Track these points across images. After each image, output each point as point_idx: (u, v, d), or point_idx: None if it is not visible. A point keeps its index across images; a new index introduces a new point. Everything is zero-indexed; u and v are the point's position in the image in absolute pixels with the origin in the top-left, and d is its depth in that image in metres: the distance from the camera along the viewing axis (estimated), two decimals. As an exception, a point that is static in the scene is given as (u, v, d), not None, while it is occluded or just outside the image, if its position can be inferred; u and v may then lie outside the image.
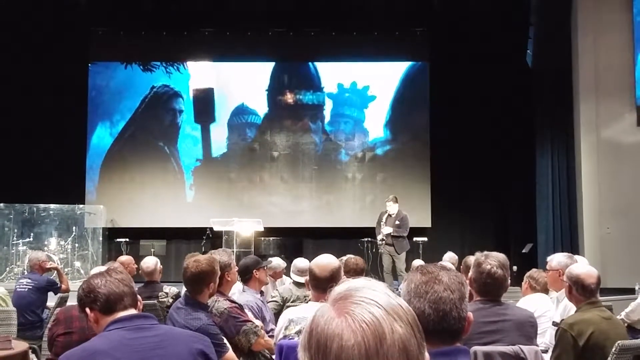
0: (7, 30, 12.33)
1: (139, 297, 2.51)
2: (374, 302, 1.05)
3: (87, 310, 2.39)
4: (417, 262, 7.85)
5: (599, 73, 11.22)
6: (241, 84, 13.63)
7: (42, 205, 11.92)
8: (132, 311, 2.41)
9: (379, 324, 1.02)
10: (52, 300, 6.74)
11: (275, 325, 4.61)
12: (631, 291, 7.74)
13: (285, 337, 3.45)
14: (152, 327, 2.36)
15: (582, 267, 3.78)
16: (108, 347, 2.23)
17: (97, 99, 13.52)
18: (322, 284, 3.44)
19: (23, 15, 12.22)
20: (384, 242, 10.13)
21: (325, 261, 3.54)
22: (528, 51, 11.96)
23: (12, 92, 12.56)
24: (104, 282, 2.41)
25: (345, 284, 1.11)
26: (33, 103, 12.57)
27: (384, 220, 10.20)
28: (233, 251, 9.51)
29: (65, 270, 10.52)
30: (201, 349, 2.42)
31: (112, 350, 2.22)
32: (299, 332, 3.40)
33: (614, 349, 3.23)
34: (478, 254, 3.36)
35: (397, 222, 10.12)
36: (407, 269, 9.69)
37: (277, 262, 6.88)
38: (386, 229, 10.08)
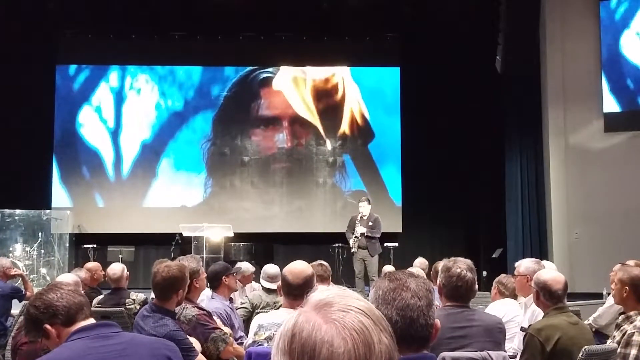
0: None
1: None
2: (361, 311, 1.05)
3: (47, 326, 2.34)
4: (388, 268, 7.85)
5: (566, 79, 11.39)
6: (211, 88, 13.57)
7: (7, 211, 11.68)
8: (91, 320, 2.38)
9: (368, 333, 1.02)
10: (16, 307, 6.60)
11: (244, 333, 4.58)
12: (599, 296, 7.85)
13: (254, 342, 3.43)
14: (115, 335, 2.34)
15: (549, 272, 3.80)
16: (72, 356, 2.20)
17: (64, 102, 13.34)
18: (294, 291, 3.43)
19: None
20: (357, 240, 10.06)
21: (299, 268, 3.52)
22: (497, 57, 12.09)
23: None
24: (60, 295, 2.38)
25: (324, 291, 1.10)
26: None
27: (358, 220, 10.18)
28: (202, 257, 9.48)
29: (31, 277, 10.34)
30: (167, 354, 2.40)
31: (76, 359, 2.19)
32: (268, 339, 3.38)
33: (581, 354, 3.25)
34: (445, 260, 3.41)
35: (370, 224, 10.13)
36: (379, 274, 9.69)
37: (246, 266, 6.83)
38: (360, 229, 10.07)
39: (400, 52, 13.32)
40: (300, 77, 13.59)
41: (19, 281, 7.30)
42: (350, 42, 13.31)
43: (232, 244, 11.60)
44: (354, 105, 13.55)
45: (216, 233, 10.85)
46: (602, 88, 11.33)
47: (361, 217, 10.20)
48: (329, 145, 13.48)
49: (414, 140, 13.07)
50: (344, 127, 13.50)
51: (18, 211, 11.78)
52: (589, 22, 11.47)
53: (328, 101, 13.55)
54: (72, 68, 13.50)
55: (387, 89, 13.54)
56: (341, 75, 13.59)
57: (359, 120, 13.53)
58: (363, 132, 13.52)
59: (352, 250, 10.20)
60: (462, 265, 3.28)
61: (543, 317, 3.63)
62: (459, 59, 12.44)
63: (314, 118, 13.51)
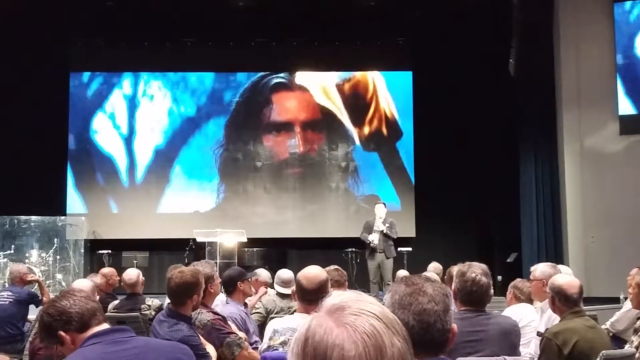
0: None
1: None
2: (374, 315, 1.06)
3: (62, 333, 2.34)
4: (402, 273, 7.83)
5: (581, 82, 11.30)
6: (223, 94, 13.62)
7: (23, 217, 11.78)
8: (105, 325, 2.38)
9: (380, 336, 1.03)
10: (33, 313, 6.64)
11: (259, 337, 4.57)
12: (616, 300, 7.78)
13: (269, 347, 3.43)
14: (129, 339, 2.34)
15: (564, 277, 3.77)
16: (87, 362, 2.20)
17: (78, 109, 13.44)
18: (309, 296, 3.42)
19: (6, 25, 12.10)
20: (378, 234, 10.04)
21: (314, 273, 3.51)
22: (510, 60, 12.04)
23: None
24: (73, 302, 2.38)
25: (339, 296, 1.11)
26: (13, 114, 12.43)
27: (376, 222, 10.17)
28: (216, 262, 9.49)
29: (47, 282, 10.39)
30: (181, 357, 2.40)
31: (91, 365, 2.19)
32: (283, 343, 3.37)
33: (598, 359, 3.22)
34: (460, 265, 3.38)
35: (387, 225, 10.14)
36: (393, 278, 9.67)
37: (265, 274, 6.80)
38: (379, 226, 10.07)
39: (412, 56, 13.29)
40: (311, 82, 13.60)
41: (36, 287, 7.34)
42: (361, 47, 13.31)
43: (246, 249, 11.62)
44: (366, 110, 13.53)
45: (230, 238, 10.87)
46: (617, 90, 11.24)
47: (378, 217, 10.20)
48: (341, 149, 13.47)
49: (426, 144, 13.03)
50: (356, 132, 13.48)
51: (34, 218, 11.87)
52: (603, 24, 11.39)
53: (338, 106, 13.54)
54: (86, 75, 13.60)
55: (399, 92, 13.52)
56: (353, 80, 13.59)
57: (371, 125, 13.50)
58: (375, 136, 13.49)
59: (374, 244, 10.12)
60: (476, 269, 3.26)
61: (560, 321, 3.59)
62: (472, 62, 12.41)
63: (326, 122, 13.51)
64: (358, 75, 13.62)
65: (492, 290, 3.33)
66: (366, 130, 13.50)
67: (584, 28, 11.39)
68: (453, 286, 3.32)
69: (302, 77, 13.64)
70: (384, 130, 13.50)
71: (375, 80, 13.62)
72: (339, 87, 13.61)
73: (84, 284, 4.64)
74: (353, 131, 13.50)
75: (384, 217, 10.23)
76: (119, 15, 12.69)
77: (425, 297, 1.91)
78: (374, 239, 10.10)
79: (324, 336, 1.03)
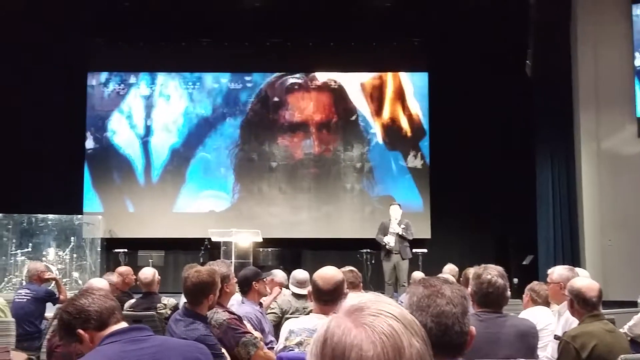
0: (5, 40, 12.33)
1: None
2: (392, 316, 1.06)
3: (80, 331, 2.35)
4: (418, 274, 7.81)
5: (598, 83, 11.21)
6: (239, 94, 13.66)
7: (40, 216, 11.89)
8: (123, 324, 2.39)
9: (398, 337, 1.03)
10: (50, 310, 6.69)
11: (274, 337, 4.58)
12: (633, 304, 7.69)
13: (285, 347, 3.43)
14: (147, 338, 2.35)
15: (583, 280, 3.74)
16: (105, 360, 2.21)
17: (95, 109, 13.54)
18: (325, 296, 3.42)
19: (21, 24, 12.20)
20: (394, 236, 10.04)
21: (330, 273, 3.51)
22: (527, 61, 11.96)
23: (10, 102, 12.56)
24: (92, 300, 2.39)
25: (358, 297, 1.12)
26: (31, 113, 12.56)
27: (392, 224, 10.16)
28: (231, 262, 9.51)
29: (64, 280, 10.45)
30: (198, 357, 2.41)
31: (109, 363, 2.20)
32: (299, 344, 3.38)
33: (616, 363, 3.20)
34: (476, 267, 3.38)
35: (402, 227, 10.13)
36: (408, 280, 9.65)
37: (281, 275, 6.81)
38: (395, 228, 10.06)
39: (428, 56, 13.25)
40: (327, 82, 13.60)
41: (53, 285, 7.40)
42: (377, 47, 13.28)
43: (261, 249, 11.64)
44: (382, 111, 13.51)
45: (245, 238, 10.89)
46: (636, 92, 11.14)
47: (394, 219, 10.19)
48: (356, 150, 13.46)
49: (442, 145, 12.99)
50: (372, 132, 13.47)
51: (51, 216, 11.98)
52: (621, 25, 11.28)
53: (354, 107, 13.54)
54: (103, 75, 13.69)
55: (415, 93, 13.48)
56: (368, 81, 13.58)
57: (387, 125, 13.48)
58: (390, 136, 13.47)
59: (389, 246, 10.10)
60: (492, 271, 3.26)
61: (578, 325, 3.57)
62: (489, 63, 12.35)
63: (341, 123, 13.51)
64: (374, 75, 13.60)
65: (508, 292, 3.32)
66: (381, 130, 13.48)
67: (601, 28, 11.29)
68: (469, 288, 3.31)
69: (318, 78, 13.64)
70: (400, 131, 13.47)
71: (391, 80, 13.60)
72: (355, 88, 13.60)
73: (100, 283, 4.68)
74: (368, 132, 13.49)
75: (400, 218, 10.21)
76: (136, 15, 12.76)
77: (444, 299, 1.91)
78: (389, 240, 10.09)
79: (342, 337, 1.03)
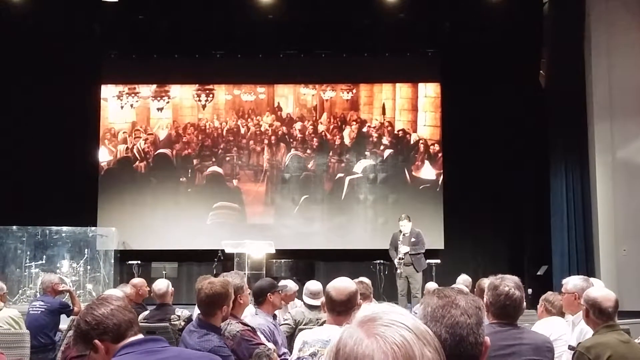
0: (18, 54, 12.47)
1: None
2: (404, 326, 1.06)
3: (97, 342, 2.35)
4: (431, 285, 7.77)
5: (613, 93, 11.16)
6: (251, 105, 13.71)
7: (54, 228, 11.95)
8: (140, 336, 2.39)
9: (410, 347, 1.03)
10: (64, 322, 6.72)
11: (288, 349, 4.58)
12: (649, 314, 7.63)
13: (299, 359, 3.43)
14: (163, 349, 2.35)
15: (599, 290, 3.72)
16: (120, 371, 2.22)
17: (109, 121, 13.64)
18: (338, 307, 3.42)
19: (34, 39, 12.34)
20: (402, 261, 10.04)
21: (343, 284, 3.52)
22: (541, 72, 11.93)
23: (25, 115, 12.69)
24: (110, 312, 2.39)
25: (371, 308, 1.12)
26: (45, 125, 12.65)
27: (400, 239, 10.15)
28: (245, 273, 9.51)
29: (78, 292, 10.50)
30: (212, 368, 2.41)
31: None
32: (312, 355, 3.37)
33: (633, 374, 3.17)
34: (492, 277, 3.34)
35: (412, 240, 10.10)
36: (422, 291, 9.61)
37: (291, 285, 6.83)
38: (404, 248, 10.03)
39: (441, 67, 13.25)
40: (340, 93, 13.63)
41: (67, 296, 7.44)
42: (390, 58, 13.30)
43: (274, 260, 11.63)
44: (394, 121, 13.52)
45: (258, 249, 10.89)
46: (649, 102, 11.09)
47: (403, 234, 10.16)
48: (369, 161, 13.45)
49: (455, 155, 12.96)
50: (384, 143, 13.46)
51: (65, 228, 12.04)
52: (635, 35, 11.25)
53: (367, 118, 13.55)
54: (117, 88, 13.77)
55: (428, 104, 13.49)
56: (381, 91, 13.59)
57: (399, 136, 13.48)
58: (403, 147, 13.46)
59: (398, 272, 10.14)
60: (509, 283, 3.21)
61: (593, 335, 3.54)
62: (502, 73, 12.33)
63: (354, 134, 13.51)
64: (387, 86, 13.62)
65: (524, 304, 3.29)
66: (394, 141, 13.47)
67: (615, 38, 11.25)
68: (485, 299, 3.28)
69: (331, 89, 13.67)
70: (413, 142, 13.45)
71: (404, 91, 13.60)
72: (368, 99, 13.62)
73: (118, 293, 4.69)
74: (381, 142, 13.48)
75: (409, 231, 10.18)
76: (149, 28, 12.87)
77: (458, 310, 1.89)
78: (398, 265, 10.09)
79: (354, 347, 1.04)
